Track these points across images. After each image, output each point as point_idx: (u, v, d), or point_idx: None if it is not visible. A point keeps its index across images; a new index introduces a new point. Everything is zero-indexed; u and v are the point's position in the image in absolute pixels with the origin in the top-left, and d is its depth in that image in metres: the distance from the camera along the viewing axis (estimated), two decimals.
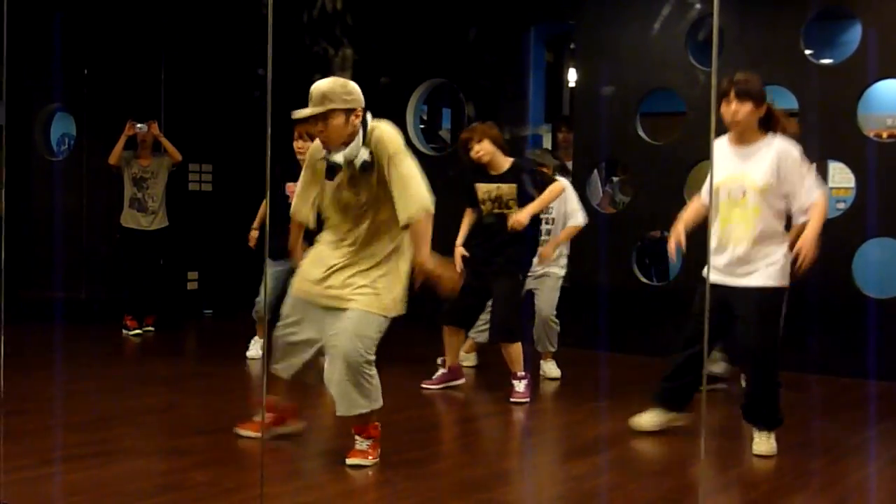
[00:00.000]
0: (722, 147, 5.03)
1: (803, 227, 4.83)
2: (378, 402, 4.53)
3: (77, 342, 8.29)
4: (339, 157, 4.41)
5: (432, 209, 4.40)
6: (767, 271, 4.87)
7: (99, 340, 8.54)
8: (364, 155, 4.40)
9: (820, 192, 4.90)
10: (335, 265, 4.53)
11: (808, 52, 7.71)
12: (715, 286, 4.88)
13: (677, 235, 5.06)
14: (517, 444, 5.71)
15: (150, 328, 8.85)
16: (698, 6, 8.10)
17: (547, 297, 6.95)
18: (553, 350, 7.06)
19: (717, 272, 4.90)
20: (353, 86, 4.46)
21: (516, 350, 6.34)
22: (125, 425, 5.52)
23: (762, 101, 4.91)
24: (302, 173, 4.77)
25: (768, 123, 4.96)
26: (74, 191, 10.13)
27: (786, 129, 4.96)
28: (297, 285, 4.64)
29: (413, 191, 4.37)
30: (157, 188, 8.77)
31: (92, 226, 10.05)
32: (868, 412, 6.26)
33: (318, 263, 4.59)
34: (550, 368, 7.11)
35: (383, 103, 9.48)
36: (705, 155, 8.06)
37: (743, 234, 4.90)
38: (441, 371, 6.64)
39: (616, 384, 6.97)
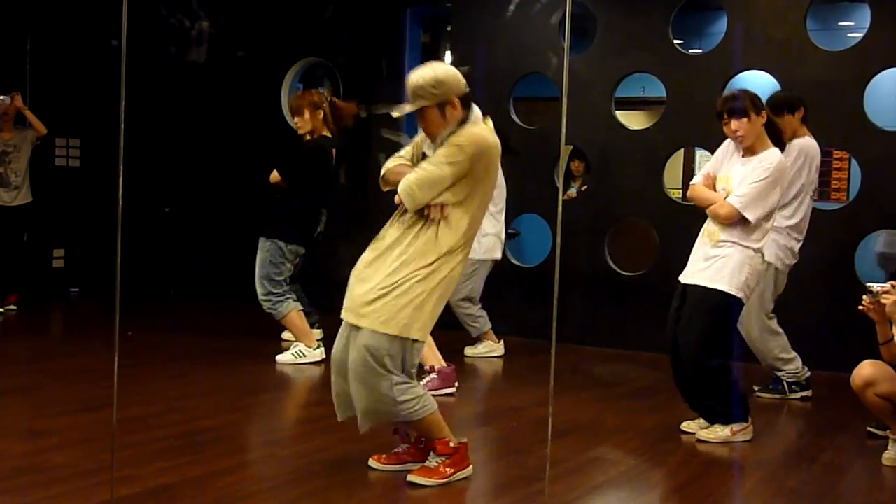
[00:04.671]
0: (729, 147, 5.19)
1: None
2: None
3: None
4: (430, 151, 4.16)
5: (408, 198, 4.05)
6: (710, 273, 5.00)
7: None
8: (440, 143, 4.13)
9: (731, 206, 4.94)
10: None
11: (676, 41, 7.89)
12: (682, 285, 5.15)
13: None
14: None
15: (12, 307, 8.59)
16: None
17: None
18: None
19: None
20: (446, 75, 4.10)
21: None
22: None
23: (758, 112, 5.03)
24: (406, 149, 4.35)
25: (775, 133, 5.13)
26: None
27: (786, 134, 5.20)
28: None
29: (415, 175, 4.07)
30: (19, 162, 8.51)
31: None
32: None
33: None
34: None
35: (256, 81, 9.44)
36: (577, 139, 8.22)
37: (709, 238, 5.06)
38: (432, 376, 5.97)
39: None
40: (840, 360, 5.94)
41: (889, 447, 4.82)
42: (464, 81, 4.16)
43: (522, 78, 8.38)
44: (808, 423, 5.87)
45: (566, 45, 3.48)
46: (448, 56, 9.37)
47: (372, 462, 4.38)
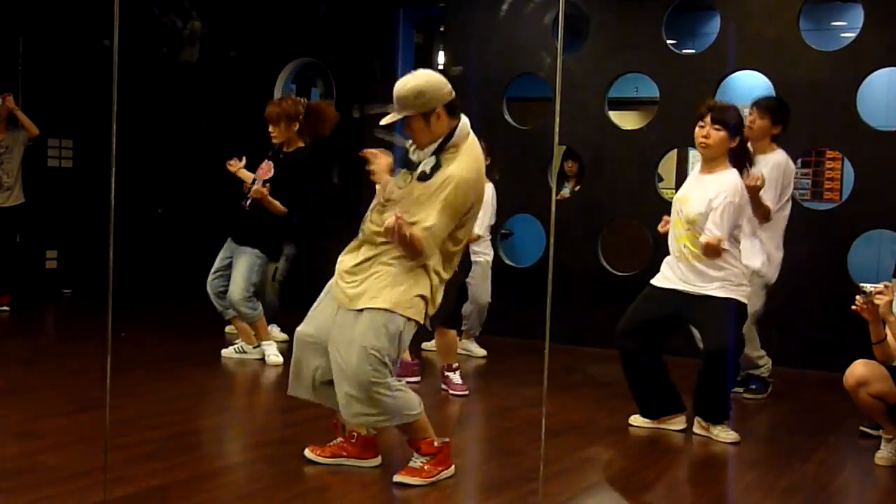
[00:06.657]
0: (694, 173, 5.25)
1: None
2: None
3: None
4: (415, 157, 4.14)
5: (429, 251, 4.07)
6: (724, 285, 5.00)
7: None
8: (430, 165, 4.07)
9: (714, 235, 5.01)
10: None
11: (670, 41, 7.89)
12: (670, 290, 5.09)
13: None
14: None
15: (4, 308, 8.58)
16: None
17: (483, 284, 7.35)
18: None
19: (671, 279, 5.11)
20: (428, 85, 4.04)
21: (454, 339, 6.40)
22: None
23: (737, 133, 5.03)
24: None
25: (739, 159, 5.13)
26: None
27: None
28: None
29: (435, 220, 4.02)
30: (11, 163, 8.50)
31: None
32: None
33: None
34: (476, 348, 7.55)
35: (249, 80, 9.43)
36: (570, 139, 8.22)
37: (690, 252, 5.05)
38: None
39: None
40: (833, 360, 5.93)
41: (882, 447, 4.83)
42: (448, 89, 4.11)
43: (516, 78, 8.38)
44: (801, 422, 5.87)
45: (559, 45, 3.49)
46: (441, 56, 9.37)
47: (308, 453, 4.42)
